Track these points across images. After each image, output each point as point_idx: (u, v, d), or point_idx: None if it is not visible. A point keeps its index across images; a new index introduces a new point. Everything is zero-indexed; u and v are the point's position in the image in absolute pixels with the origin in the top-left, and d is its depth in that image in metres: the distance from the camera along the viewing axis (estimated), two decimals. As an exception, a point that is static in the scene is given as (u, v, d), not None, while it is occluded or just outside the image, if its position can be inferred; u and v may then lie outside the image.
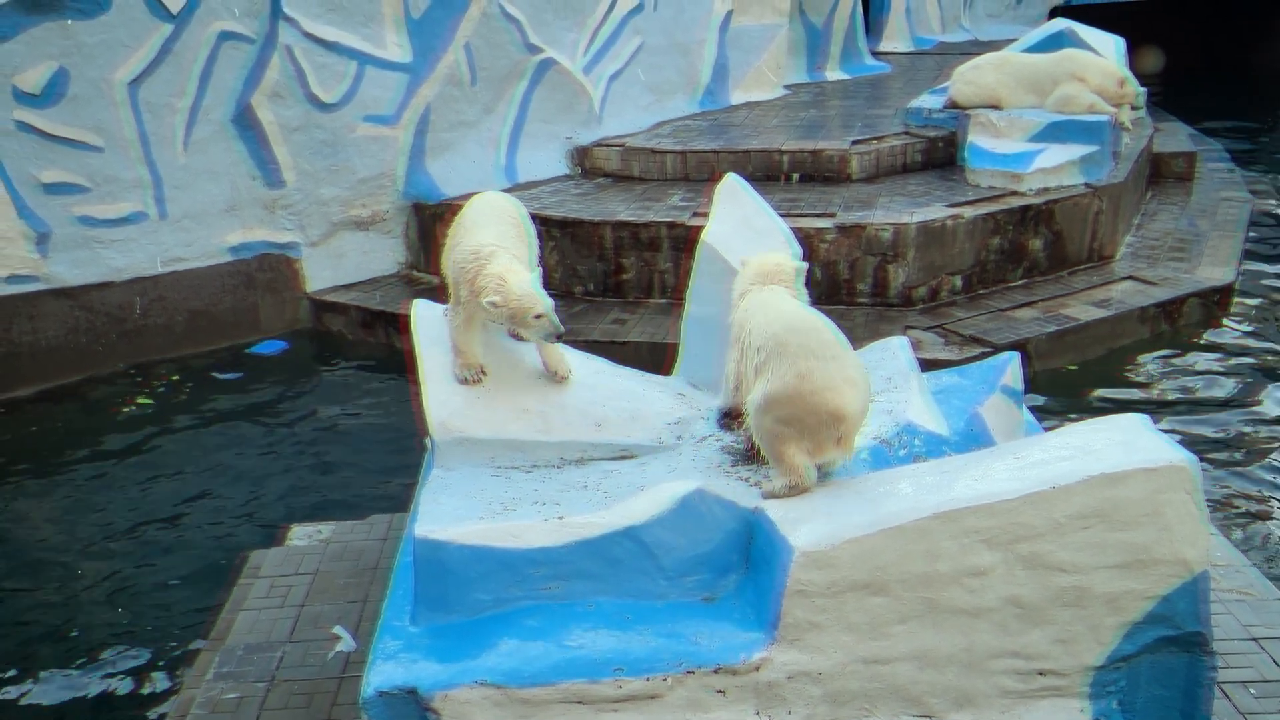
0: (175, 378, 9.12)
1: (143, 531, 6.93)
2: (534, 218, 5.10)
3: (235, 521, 7.00)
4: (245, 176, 9.71)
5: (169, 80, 9.11)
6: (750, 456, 4.03)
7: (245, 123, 9.55)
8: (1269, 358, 8.82)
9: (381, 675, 3.50)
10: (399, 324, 9.09)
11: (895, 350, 4.71)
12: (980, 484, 3.51)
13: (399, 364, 8.81)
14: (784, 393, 3.58)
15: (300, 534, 5.87)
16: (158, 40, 8.98)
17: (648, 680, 3.46)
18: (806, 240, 8.12)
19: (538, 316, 4.10)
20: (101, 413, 8.62)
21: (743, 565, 3.77)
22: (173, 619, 6.02)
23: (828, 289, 9.00)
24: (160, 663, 5.62)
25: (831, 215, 9.30)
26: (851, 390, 3.59)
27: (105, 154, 8.94)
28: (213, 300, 9.71)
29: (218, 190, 9.61)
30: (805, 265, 4.33)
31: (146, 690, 5.44)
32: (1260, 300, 10.00)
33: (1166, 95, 17.74)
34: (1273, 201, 13.21)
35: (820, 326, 3.74)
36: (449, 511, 3.85)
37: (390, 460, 7.62)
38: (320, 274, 10.19)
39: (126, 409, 8.65)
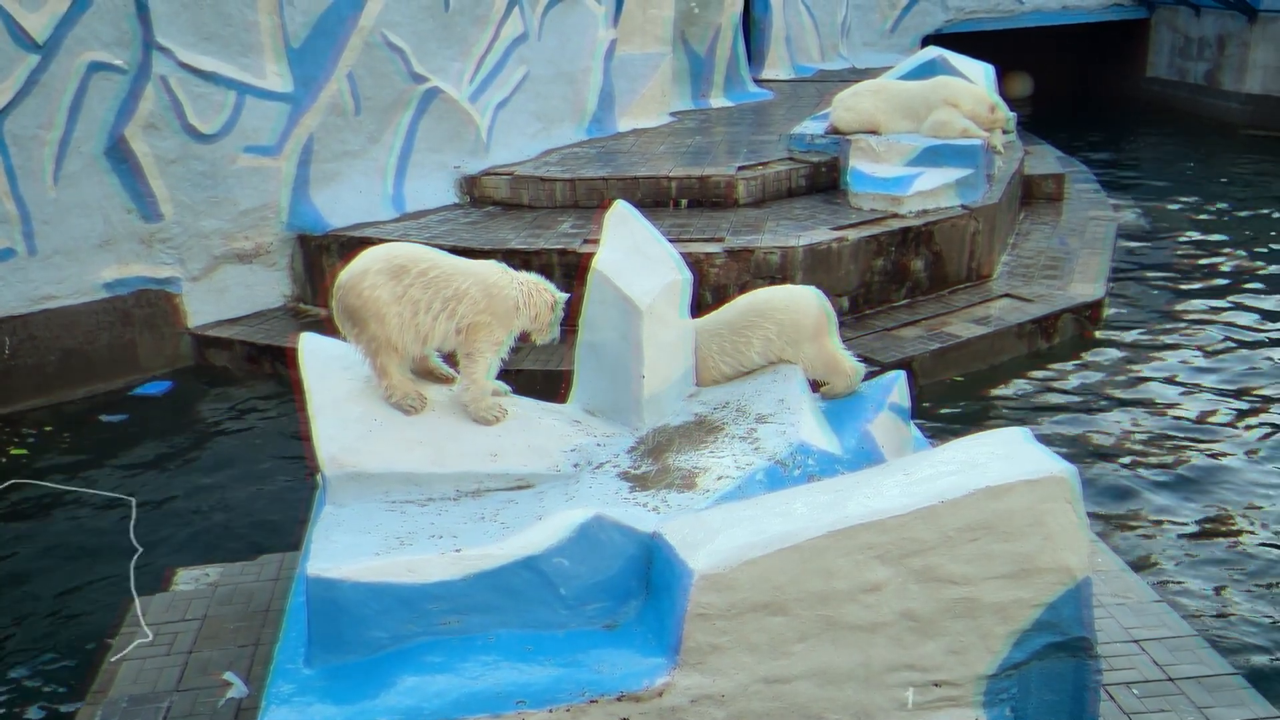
0: (48, 427, 8.75)
1: (20, 579, 6.61)
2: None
3: (117, 567, 6.70)
4: (120, 210, 9.40)
5: (36, 112, 8.78)
6: None
7: (119, 155, 9.25)
8: (1138, 368, 9.22)
9: (276, 721, 3.39)
10: (286, 358, 8.88)
11: (787, 373, 4.78)
12: (872, 501, 3.58)
13: (287, 399, 8.62)
14: None
15: (187, 578, 5.67)
16: (23, 71, 8.65)
17: (551, 711, 3.43)
18: (696, 265, 8.21)
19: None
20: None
21: (643, 591, 3.77)
22: (52, 673, 5.74)
23: (718, 313, 9.08)
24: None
25: (720, 240, 9.42)
26: None
27: (-32, 189, 8.59)
28: (87, 339, 9.36)
29: (90, 225, 9.28)
30: (690, 277, 4.74)
31: (23, 750, 5.19)
32: (1128, 314, 10.45)
33: (1036, 120, 18.46)
34: (1135, 215, 13.83)
35: None
36: (342, 548, 3.77)
37: (280, 498, 7.42)
38: (202, 309, 9.92)
39: (-1, 458, 8.28)
